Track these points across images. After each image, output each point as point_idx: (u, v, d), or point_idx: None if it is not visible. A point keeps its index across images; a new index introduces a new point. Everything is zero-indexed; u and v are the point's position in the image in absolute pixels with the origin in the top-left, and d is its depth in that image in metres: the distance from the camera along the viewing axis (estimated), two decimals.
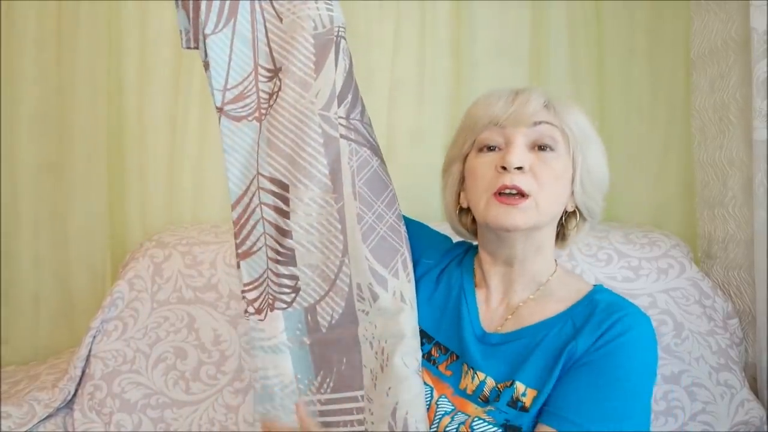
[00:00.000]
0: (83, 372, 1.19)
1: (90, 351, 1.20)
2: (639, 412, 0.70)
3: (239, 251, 0.79)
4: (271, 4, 0.83)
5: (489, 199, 0.76)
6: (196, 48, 0.85)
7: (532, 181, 0.75)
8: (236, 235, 0.79)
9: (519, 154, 0.74)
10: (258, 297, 0.79)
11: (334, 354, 0.79)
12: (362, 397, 0.78)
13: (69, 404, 1.19)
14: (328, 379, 0.79)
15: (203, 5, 0.79)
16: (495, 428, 0.72)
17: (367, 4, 1.50)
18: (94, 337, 1.21)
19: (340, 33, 0.83)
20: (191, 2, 0.83)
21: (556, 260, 0.85)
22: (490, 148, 0.79)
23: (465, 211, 0.87)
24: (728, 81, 1.22)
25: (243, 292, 0.80)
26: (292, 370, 0.79)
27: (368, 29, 1.50)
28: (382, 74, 1.50)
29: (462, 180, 0.85)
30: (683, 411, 1.10)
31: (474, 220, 0.86)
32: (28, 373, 1.31)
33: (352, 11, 1.50)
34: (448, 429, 0.75)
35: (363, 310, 0.80)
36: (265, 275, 0.80)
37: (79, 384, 1.19)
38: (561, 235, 0.86)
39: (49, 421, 1.14)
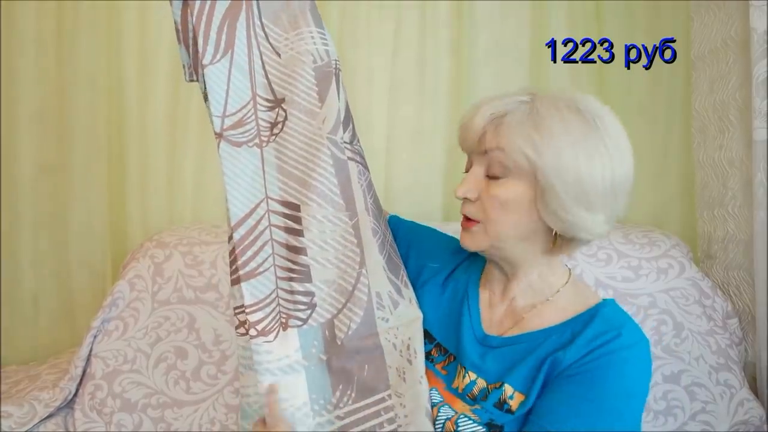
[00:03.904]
0: (84, 372, 1.19)
1: (91, 351, 1.20)
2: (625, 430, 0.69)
3: (242, 272, 0.79)
4: (267, 40, 0.87)
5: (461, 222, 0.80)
6: (197, 81, 0.88)
7: (479, 210, 0.77)
8: (238, 256, 0.79)
9: (465, 186, 0.77)
10: (264, 318, 0.79)
11: (354, 364, 0.80)
12: (389, 396, 0.80)
13: (70, 404, 1.19)
14: (348, 391, 0.80)
15: (200, 38, 0.83)
16: (479, 426, 0.73)
17: (368, 5, 1.50)
18: (95, 336, 1.21)
19: (337, 65, 0.87)
20: (191, 37, 0.85)
21: (570, 271, 0.83)
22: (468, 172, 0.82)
23: None
24: (728, 81, 1.22)
25: (246, 313, 0.79)
26: (306, 390, 0.78)
27: (369, 29, 1.50)
28: (382, 74, 1.51)
29: None
30: (683, 411, 1.11)
31: None
32: (28, 373, 1.31)
33: (352, 12, 1.50)
34: (436, 423, 0.77)
35: (383, 318, 0.82)
36: (273, 295, 0.80)
37: (79, 384, 1.19)
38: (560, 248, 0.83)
39: (50, 420, 1.14)
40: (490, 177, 0.76)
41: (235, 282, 0.80)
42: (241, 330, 0.79)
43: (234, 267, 0.79)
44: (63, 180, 1.53)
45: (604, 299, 0.79)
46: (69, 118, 1.52)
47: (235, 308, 0.81)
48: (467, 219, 0.78)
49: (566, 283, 0.82)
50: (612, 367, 0.70)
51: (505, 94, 0.77)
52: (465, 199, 0.78)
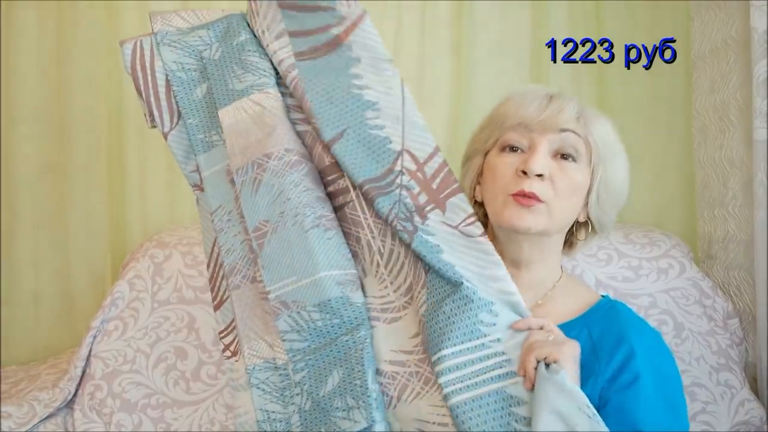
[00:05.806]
0: (83, 372, 1.19)
1: (90, 351, 1.19)
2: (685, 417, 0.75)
3: (215, 303, 0.87)
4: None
5: (506, 199, 0.77)
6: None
7: (550, 189, 0.76)
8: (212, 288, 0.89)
9: (541, 161, 0.75)
10: (233, 341, 0.84)
11: None
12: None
13: (69, 404, 1.18)
14: None
15: (155, 110, 0.88)
16: None
17: (368, 5, 1.50)
18: (95, 337, 1.20)
19: None
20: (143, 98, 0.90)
21: (561, 266, 0.85)
22: (513, 149, 0.79)
23: (478, 204, 0.86)
24: (728, 81, 1.22)
25: (220, 338, 0.87)
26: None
27: None
28: None
29: (480, 174, 0.85)
30: None
31: (486, 214, 0.85)
32: (28, 373, 1.30)
33: None
34: None
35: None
36: (233, 324, 0.84)
37: (79, 384, 1.19)
38: (569, 243, 0.86)
39: (50, 420, 1.14)
40: (562, 157, 0.77)
41: (215, 308, 0.86)
42: (227, 353, 0.83)
43: (213, 294, 0.86)
44: (63, 180, 1.53)
45: (602, 295, 0.82)
46: (69, 118, 1.52)
47: (219, 332, 0.86)
48: (528, 197, 0.75)
49: (560, 278, 0.83)
50: (649, 372, 0.73)
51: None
52: (536, 177, 0.75)
